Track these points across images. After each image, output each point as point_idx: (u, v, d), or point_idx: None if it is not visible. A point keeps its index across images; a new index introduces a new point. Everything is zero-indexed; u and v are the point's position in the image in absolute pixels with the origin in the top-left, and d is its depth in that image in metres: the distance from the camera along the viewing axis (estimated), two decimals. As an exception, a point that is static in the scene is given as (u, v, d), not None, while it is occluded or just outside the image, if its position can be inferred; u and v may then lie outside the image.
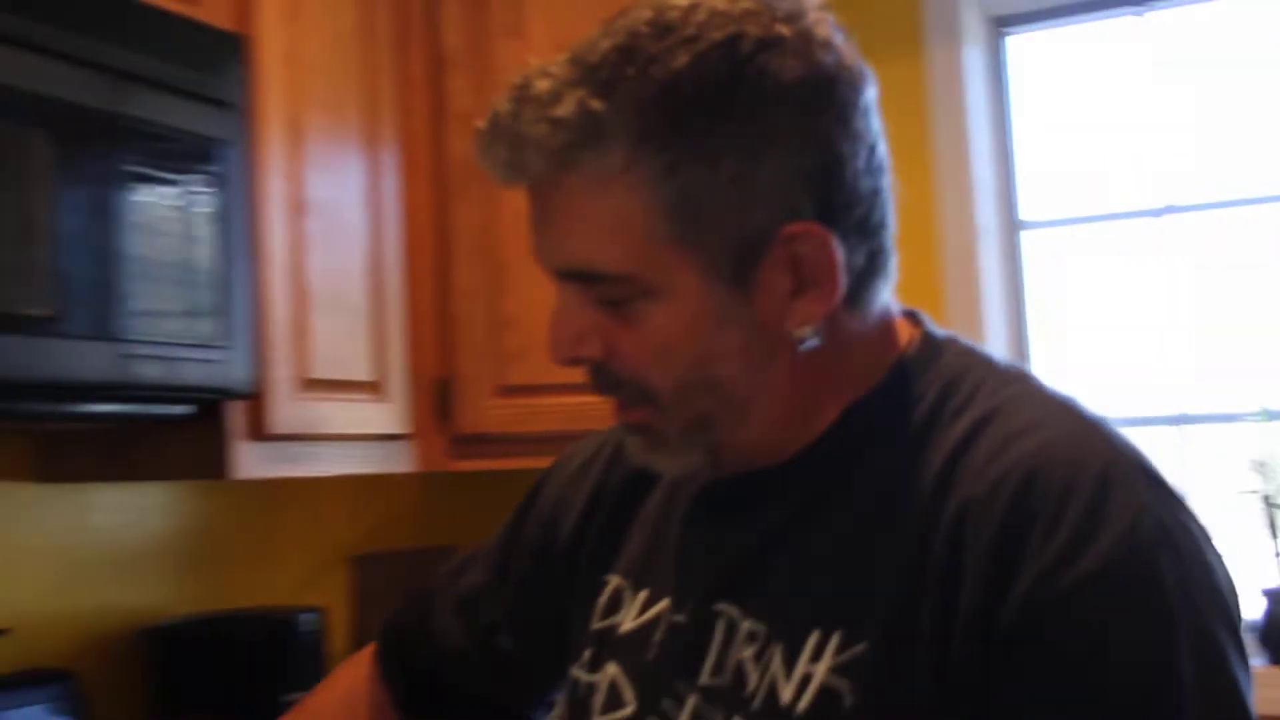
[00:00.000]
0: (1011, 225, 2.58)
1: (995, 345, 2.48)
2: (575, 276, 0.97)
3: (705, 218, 0.92)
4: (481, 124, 0.97)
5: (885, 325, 1.03)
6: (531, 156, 0.93)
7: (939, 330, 1.06)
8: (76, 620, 2.05)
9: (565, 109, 0.91)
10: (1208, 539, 0.95)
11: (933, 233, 2.47)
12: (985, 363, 1.02)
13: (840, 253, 0.93)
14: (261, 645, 2.00)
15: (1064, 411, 0.97)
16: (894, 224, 1.00)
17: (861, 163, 0.96)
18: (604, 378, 1.00)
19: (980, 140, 2.51)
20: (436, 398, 2.10)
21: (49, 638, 2.00)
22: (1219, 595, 0.91)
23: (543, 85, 0.93)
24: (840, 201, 0.94)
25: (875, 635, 0.93)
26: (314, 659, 2.07)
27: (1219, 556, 0.95)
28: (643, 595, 1.10)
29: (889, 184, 0.99)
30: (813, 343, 0.96)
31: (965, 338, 1.06)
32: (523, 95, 0.94)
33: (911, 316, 1.07)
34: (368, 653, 1.36)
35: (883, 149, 0.99)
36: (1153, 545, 0.88)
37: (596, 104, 0.91)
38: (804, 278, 0.94)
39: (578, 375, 1.05)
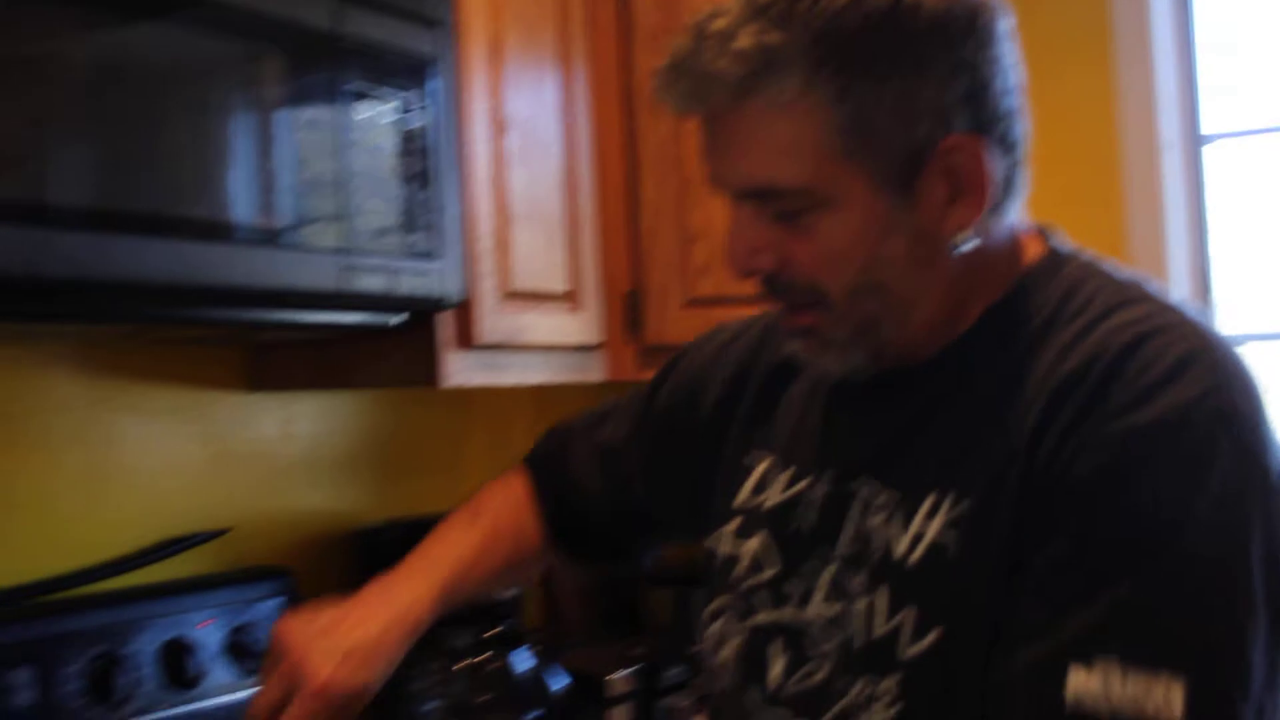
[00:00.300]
0: (1194, 139, 2.52)
1: (1176, 261, 2.45)
2: (754, 195, 1.08)
3: (875, 133, 1.03)
4: (663, 62, 1.08)
5: (1018, 237, 1.15)
6: (714, 88, 1.04)
7: (1065, 244, 1.17)
8: (289, 522, 2.15)
9: (744, 43, 1.02)
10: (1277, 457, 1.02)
11: (1115, 147, 2.44)
12: (1103, 273, 1.12)
13: (990, 163, 1.05)
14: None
15: (1170, 311, 1.06)
16: (1027, 142, 1.11)
17: (1001, 84, 1.07)
18: (777, 286, 1.11)
19: (1164, 52, 2.46)
20: (627, 309, 2.15)
21: (264, 538, 2.10)
22: (1267, 498, 0.98)
23: (720, 23, 1.03)
24: (987, 118, 1.06)
25: (978, 495, 1.05)
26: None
27: None
28: (789, 472, 1.23)
29: (1024, 105, 1.10)
30: (967, 247, 1.08)
31: (1088, 252, 1.16)
32: (701, 33, 1.04)
33: (1040, 231, 1.18)
34: (517, 477, 1.52)
35: (1017, 74, 1.10)
36: (1211, 421, 0.97)
37: (773, 37, 1.01)
38: (959, 186, 1.06)
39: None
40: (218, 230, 1.46)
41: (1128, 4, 2.45)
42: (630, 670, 2.28)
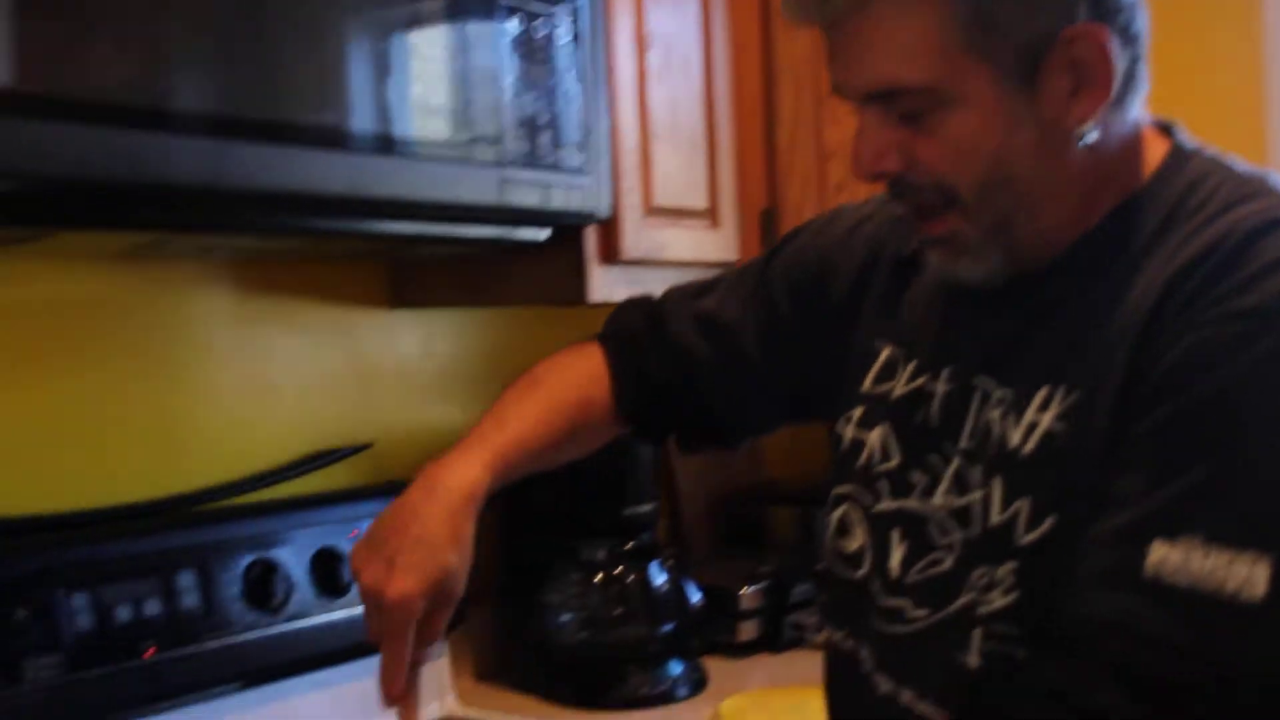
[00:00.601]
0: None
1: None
2: (879, 97, 1.09)
3: (997, 26, 1.04)
4: None
5: (1141, 134, 1.15)
6: None
7: (1189, 140, 1.17)
8: (427, 437, 2.17)
9: None
10: None
11: (1260, 83, 2.40)
12: (1226, 168, 1.12)
13: (1113, 51, 1.05)
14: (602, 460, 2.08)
15: None
16: (1147, 35, 1.11)
17: None
18: (904, 188, 1.13)
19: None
20: (763, 227, 2.15)
21: (406, 452, 2.12)
22: None
23: None
24: (1108, 7, 1.06)
25: (1088, 386, 1.07)
26: (648, 467, 2.17)
27: None
28: (912, 366, 1.24)
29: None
30: (1092, 137, 1.08)
31: (1212, 147, 1.16)
32: None
33: (1165, 128, 1.18)
34: (587, 349, 1.50)
35: None
36: None
37: None
38: (1082, 77, 1.06)
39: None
40: (383, 144, 1.48)
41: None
42: (759, 586, 2.30)
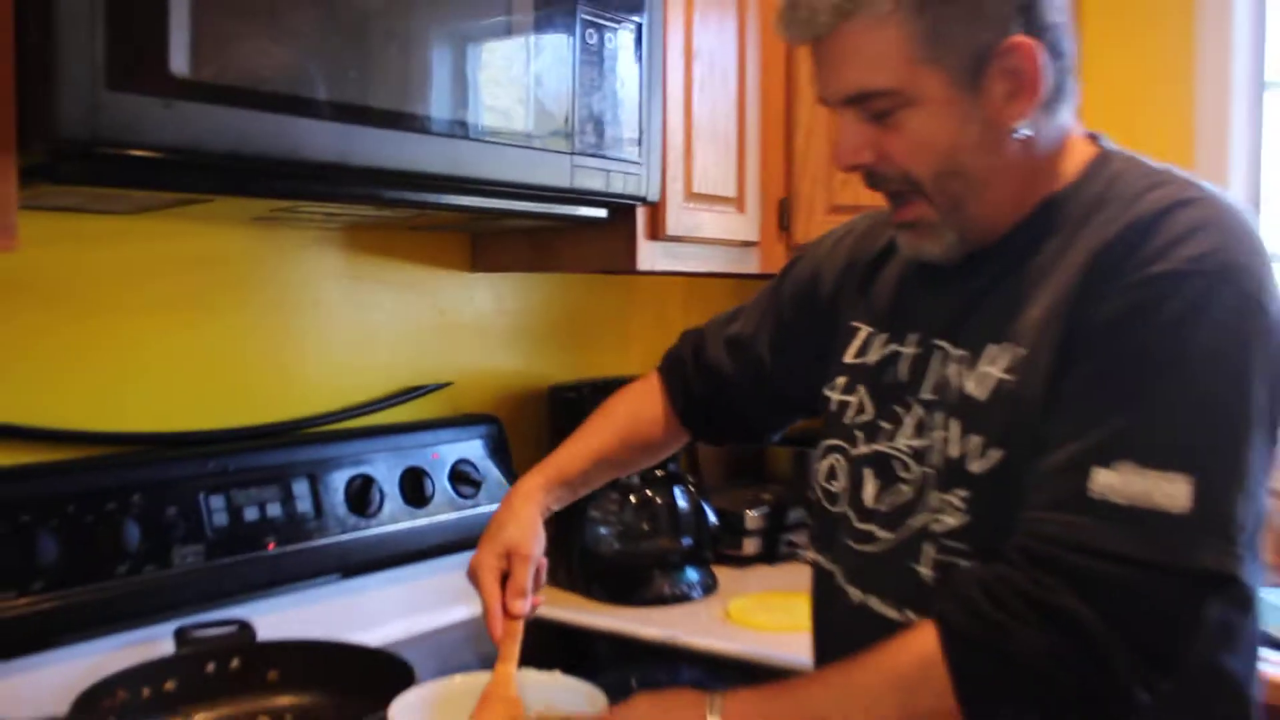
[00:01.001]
0: (1259, 84, 2.44)
1: (1235, 191, 2.40)
2: (854, 100, 1.11)
3: (948, 39, 1.07)
4: (781, 3, 1.14)
5: (1072, 140, 1.17)
6: (820, 15, 1.09)
7: (1112, 145, 1.19)
8: (497, 378, 2.19)
9: None
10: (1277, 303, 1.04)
11: (1190, 90, 2.38)
12: (1141, 164, 1.14)
13: (1041, 63, 1.08)
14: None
15: (1195, 187, 1.08)
16: (1074, 55, 1.13)
17: (1052, 0, 1.10)
18: (877, 178, 1.16)
19: (1242, 5, 2.38)
20: (779, 213, 2.14)
21: (479, 391, 2.15)
22: (1266, 334, 1.02)
23: None
24: (1039, 26, 1.09)
25: (1029, 344, 1.09)
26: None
27: None
28: (883, 337, 1.26)
29: (1069, 22, 1.13)
30: (1024, 133, 1.10)
31: (1131, 151, 1.18)
32: None
33: (1093, 136, 1.20)
34: (650, 380, 1.57)
35: None
36: (1215, 272, 1.01)
37: None
38: (1017, 83, 1.08)
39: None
40: (480, 133, 1.47)
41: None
42: (760, 510, 2.31)
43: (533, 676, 1.29)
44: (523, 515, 1.39)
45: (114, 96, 1.10)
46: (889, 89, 1.08)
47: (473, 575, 1.36)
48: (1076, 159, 1.17)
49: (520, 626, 1.31)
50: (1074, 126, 1.17)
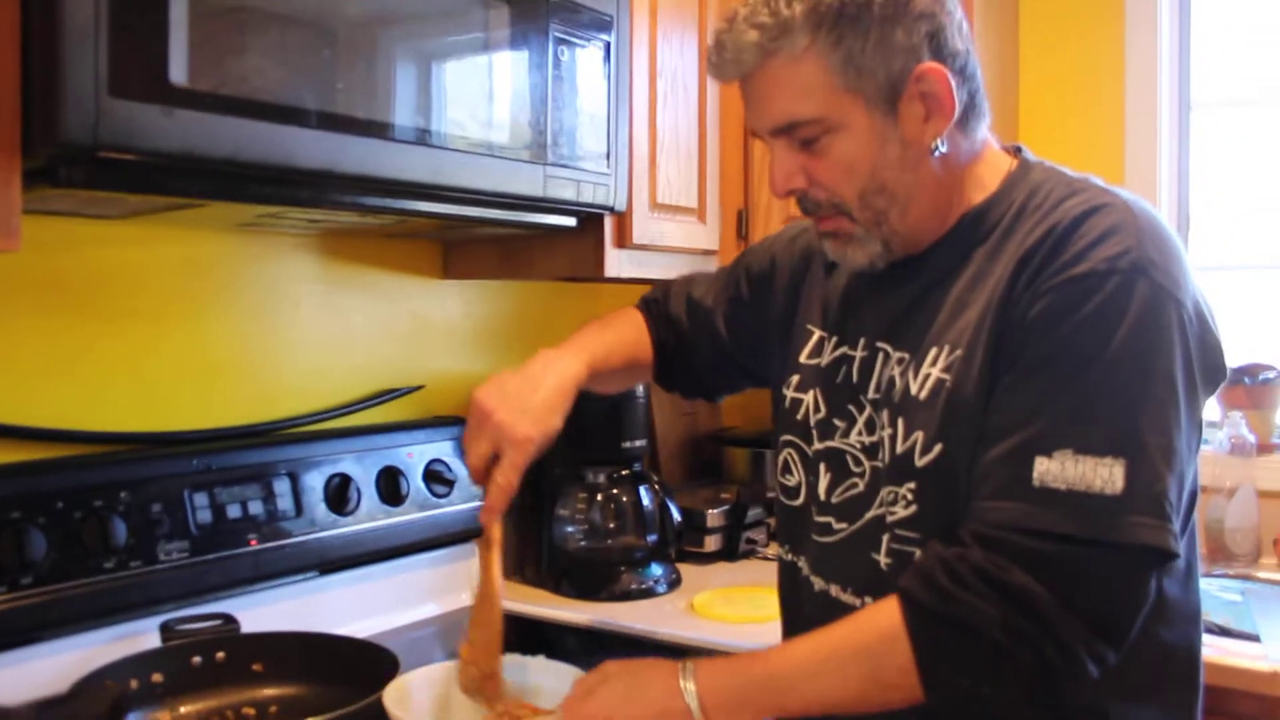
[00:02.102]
0: (1183, 105, 2.53)
1: (1164, 204, 2.47)
2: (783, 130, 1.16)
3: (864, 70, 1.12)
4: (711, 43, 1.20)
5: (992, 153, 1.23)
6: (745, 54, 1.14)
7: (1032, 156, 1.24)
8: (469, 381, 2.17)
9: (765, 18, 1.13)
10: (1200, 300, 1.11)
11: (1121, 110, 2.46)
12: (1060, 174, 1.20)
13: (953, 84, 1.13)
14: (606, 405, 2.10)
15: (1110, 194, 1.13)
16: (981, 77, 1.19)
17: (955, 29, 1.16)
18: (809, 202, 1.20)
19: (1166, 32, 2.46)
20: (737, 223, 2.18)
21: (450, 393, 2.15)
22: (1177, 334, 1.06)
23: (745, 9, 1.14)
24: (947, 52, 1.14)
25: (964, 345, 1.13)
26: (641, 411, 2.20)
27: (1205, 316, 1.11)
28: (834, 341, 1.31)
29: (974, 49, 1.19)
30: (941, 150, 1.16)
31: (1049, 161, 1.23)
32: (734, 18, 1.15)
33: (1016, 150, 1.25)
34: (633, 311, 1.57)
35: (965, 25, 1.18)
36: (1131, 270, 1.06)
37: (785, 11, 1.12)
38: (930, 105, 1.14)
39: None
40: (459, 144, 1.50)
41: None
42: (721, 509, 2.34)
43: (517, 660, 1.31)
44: (567, 408, 1.32)
45: (116, 103, 1.12)
46: (813, 118, 1.13)
47: (518, 451, 1.26)
48: (997, 170, 1.22)
49: (498, 525, 1.29)
50: (991, 141, 1.23)
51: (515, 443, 1.25)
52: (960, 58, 1.16)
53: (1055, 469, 1.03)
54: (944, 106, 1.14)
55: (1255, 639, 1.84)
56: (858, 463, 1.23)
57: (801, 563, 1.31)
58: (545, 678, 1.30)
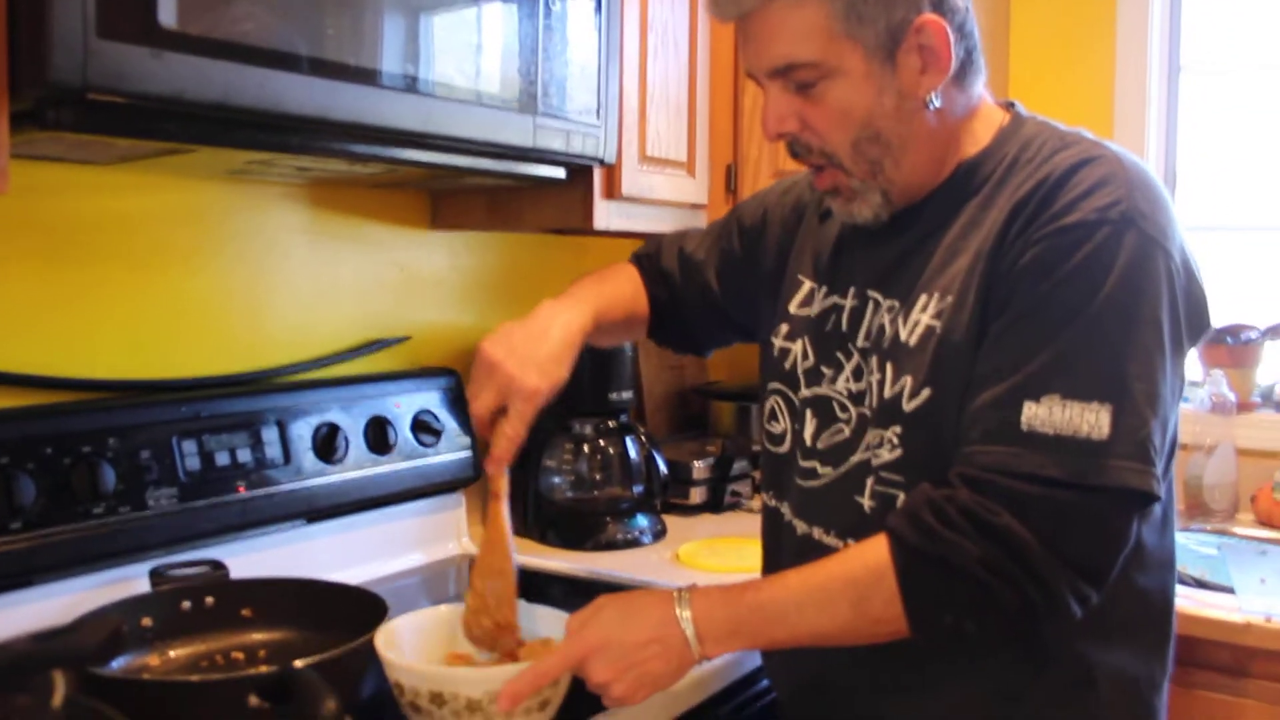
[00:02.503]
0: (1175, 68, 2.53)
1: (1152, 162, 2.48)
2: (779, 72, 1.16)
3: (864, 17, 1.11)
4: None
5: (986, 108, 1.23)
6: None
7: (1025, 111, 1.25)
8: (454, 332, 2.20)
9: None
10: (1187, 253, 1.12)
11: (1111, 69, 2.45)
12: (1052, 128, 1.21)
13: (951, 39, 1.13)
14: (593, 357, 2.10)
15: (1100, 146, 1.15)
16: (977, 35, 1.19)
17: None
18: (800, 146, 1.20)
19: (1158, 9, 2.46)
20: (726, 177, 2.18)
21: (436, 344, 2.15)
22: (1164, 284, 1.08)
23: None
24: (946, 7, 1.14)
25: (955, 292, 1.15)
26: (628, 364, 2.20)
27: (1191, 269, 1.12)
28: (823, 290, 1.32)
29: (972, 6, 1.18)
30: (936, 104, 1.16)
31: (1043, 117, 1.24)
32: None
33: (1009, 105, 1.26)
34: (628, 266, 1.57)
35: None
36: (1120, 221, 1.07)
37: None
38: (928, 58, 1.14)
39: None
40: (451, 93, 1.49)
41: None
42: (706, 461, 2.36)
43: (522, 607, 1.31)
44: (573, 359, 1.33)
45: (104, 45, 1.10)
46: (811, 61, 1.13)
47: (526, 402, 1.26)
48: (990, 125, 1.22)
49: (504, 477, 1.30)
50: (985, 97, 1.24)
51: (524, 394, 1.25)
52: (959, 14, 1.16)
53: (1043, 414, 1.04)
54: (941, 60, 1.14)
55: (1230, 591, 1.87)
56: (844, 409, 1.24)
57: (785, 508, 1.33)
58: (539, 622, 1.31)
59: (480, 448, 2.03)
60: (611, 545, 2.09)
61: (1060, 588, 1.04)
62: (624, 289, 1.51)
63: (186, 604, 1.51)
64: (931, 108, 1.16)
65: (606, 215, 1.91)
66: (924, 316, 1.16)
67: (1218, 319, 1.19)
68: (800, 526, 1.29)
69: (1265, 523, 2.30)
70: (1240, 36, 2.52)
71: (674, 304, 1.54)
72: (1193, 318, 1.12)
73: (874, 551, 1.10)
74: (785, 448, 1.33)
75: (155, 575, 1.53)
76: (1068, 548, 1.04)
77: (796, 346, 1.33)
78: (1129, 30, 2.44)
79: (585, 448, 2.13)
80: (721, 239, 1.52)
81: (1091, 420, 1.03)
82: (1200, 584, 1.92)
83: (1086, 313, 1.05)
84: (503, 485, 1.30)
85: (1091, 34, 2.47)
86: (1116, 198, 1.08)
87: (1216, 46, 2.53)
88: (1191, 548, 2.13)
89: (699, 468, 2.32)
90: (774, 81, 1.17)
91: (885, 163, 1.17)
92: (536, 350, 1.28)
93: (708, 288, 1.51)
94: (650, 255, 1.57)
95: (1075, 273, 1.06)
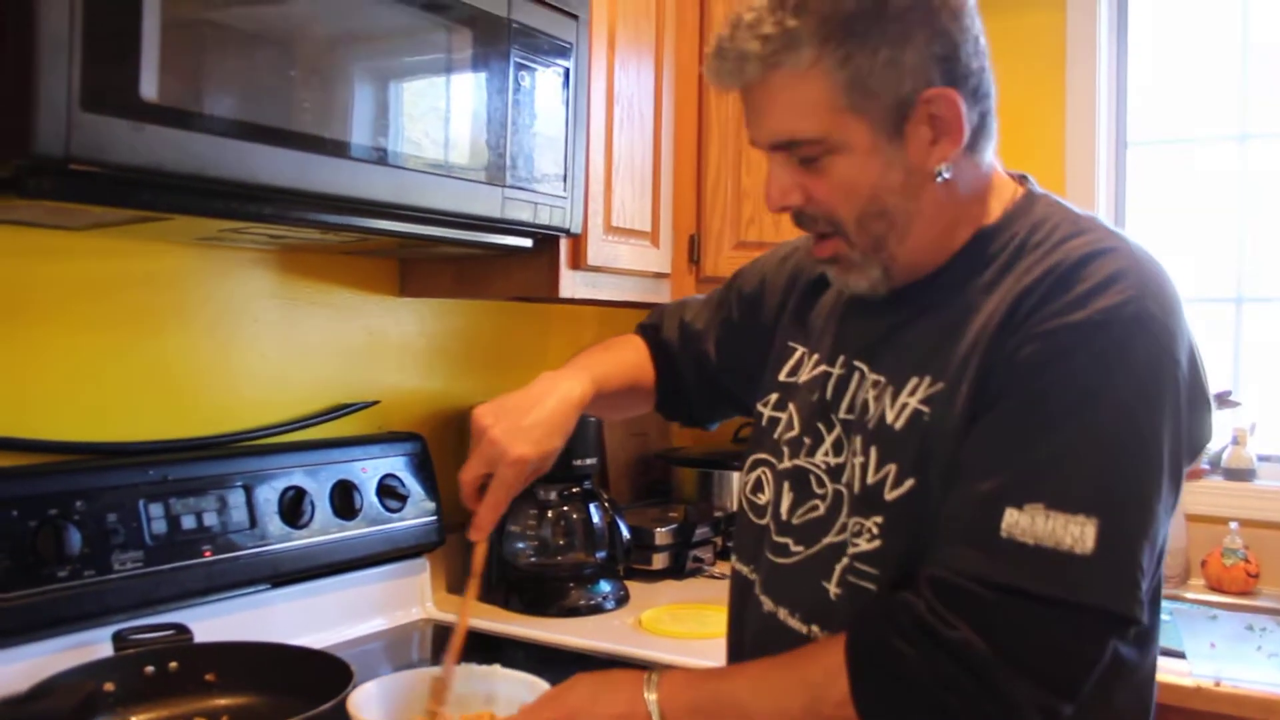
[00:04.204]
0: (1120, 143, 2.62)
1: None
2: (782, 145, 1.12)
3: (870, 91, 1.06)
4: (709, 48, 1.13)
5: (998, 180, 1.18)
6: (748, 65, 1.09)
7: (1038, 188, 1.20)
8: (422, 397, 2.22)
9: (769, 29, 1.07)
10: (1195, 357, 1.06)
11: (1061, 149, 2.54)
12: (1066, 210, 1.15)
13: (963, 109, 1.08)
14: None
15: (1115, 237, 1.09)
16: (995, 95, 1.13)
17: (970, 48, 1.10)
18: (804, 219, 1.16)
19: (1104, 79, 2.54)
20: (690, 247, 2.22)
21: (404, 409, 2.18)
22: (1177, 387, 1.02)
23: (750, 16, 1.09)
24: (959, 74, 1.08)
25: (948, 378, 1.09)
26: (593, 430, 2.23)
27: (1198, 375, 1.07)
28: (814, 359, 1.27)
29: (989, 66, 1.12)
30: (946, 176, 1.11)
31: (1055, 195, 1.19)
32: (737, 24, 1.10)
33: (1022, 177, 1.21)
34: (634, 337, 1.54)
35: (983, 40, 1.12)
36: (1128, 323, 1.01)
37: (792, 22, 1.06)
38: (939, 129, 1.09)
39: (794, 234, 1.23)
40: (422, 165, 1.52)
41: (1079, 27, 2.53)
42: (669, 527, 2.37)
43: (474, 670, 1.33)
44: (569, 428, 1.30)
45: (87, 117, 1.13)
46: (815, 137, 1.08)
47: (510, 471, 1.24)
48: (1003, 198, 1.17)
49: (483, 550, 1.28)
50: (997, 166, 1.18)
51: (507, 461, 1.23)
52: (973, 78, 1.10)
53: (1025, 522, 0.98)
54: (953, 131, 1.09)
55: (1181, 656, 1.90)
56: (820, 484, 1.20)
57: (756, 580, 1.29)
58: (505, 686, 1.32)
59: (465, 517, 2.04)
60: (575, 611, 2.10)
61: (1021, 702, 0.98)
62: (627, 358, 1.48)
63: (150, 668, 1.50)
64: (940, 179, 1.10)
65: (572, 284, 1.95)
66: (913, 400, 1.11)
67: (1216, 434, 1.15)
68: (767, 603, 1.25)
69: (1215, 588, 2.35)
70: (1186, 110, 2.61)
71: (675, 374, 1.52)
72: (1194, 432, 1.05)
73: (832, 651, 1.06)
74: (765, 519, 1.28)
75: (119, 639, 1.53)
76: (1032, 661, 0.98)
77: (784, 415, 1.29)
78: (1077, 104, 2.52)
79: (549, 513, 2.15)
80: (721, 308, 1.49)
81: (1076, 533, 0.97)
82: (1153, 648, 1.95)
83: (1083, 417, 0.99)
84: (479, 561, 1.28)
85: (1042, 107, 2.55)
86: (1127, 296, 1.01)
87: (1162, 120, 2.63)
88: (1167, 617, 2.17)
89: (662, 534, 2.34)
90: (777, 154, 1.13)
91: (889, 239, 1.13)
92: (526, 417, 1.26)
93: (705, 357, 1.49)
94: (654, 325, 1.55)
95: (1076, 373, 1.00)
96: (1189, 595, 2.34)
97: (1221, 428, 2.52)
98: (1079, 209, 1.16)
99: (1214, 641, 2.03)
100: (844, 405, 1.20)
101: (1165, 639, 1.98)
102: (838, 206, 1.12)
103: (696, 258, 2.23)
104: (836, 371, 1.23)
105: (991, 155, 1.16)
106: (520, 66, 1.69)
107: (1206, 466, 2.51)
